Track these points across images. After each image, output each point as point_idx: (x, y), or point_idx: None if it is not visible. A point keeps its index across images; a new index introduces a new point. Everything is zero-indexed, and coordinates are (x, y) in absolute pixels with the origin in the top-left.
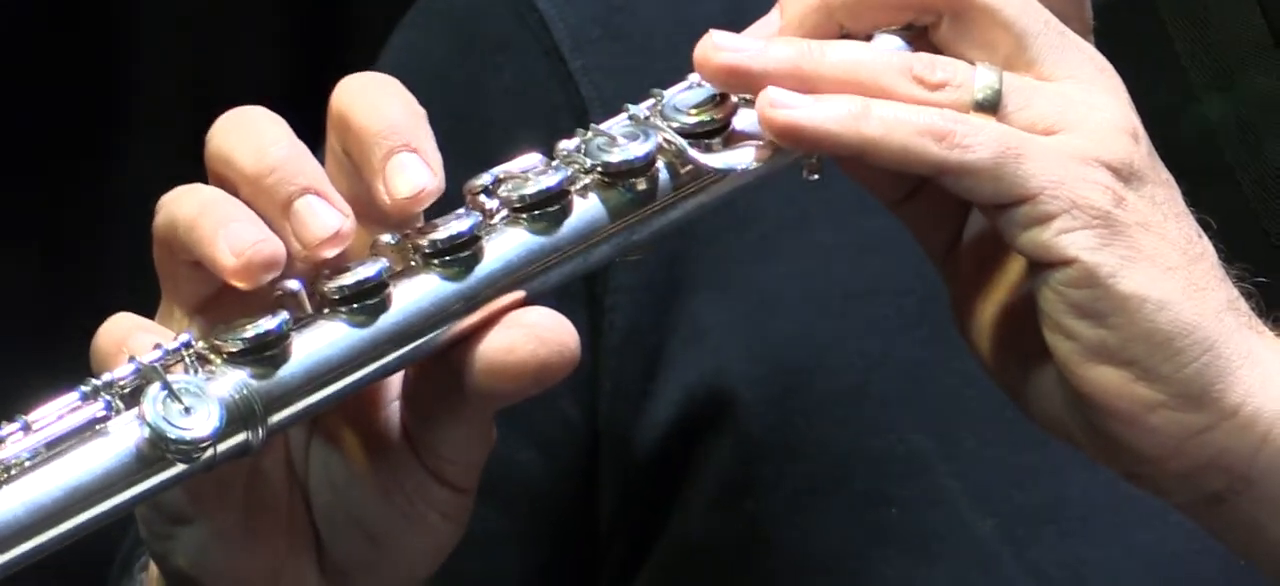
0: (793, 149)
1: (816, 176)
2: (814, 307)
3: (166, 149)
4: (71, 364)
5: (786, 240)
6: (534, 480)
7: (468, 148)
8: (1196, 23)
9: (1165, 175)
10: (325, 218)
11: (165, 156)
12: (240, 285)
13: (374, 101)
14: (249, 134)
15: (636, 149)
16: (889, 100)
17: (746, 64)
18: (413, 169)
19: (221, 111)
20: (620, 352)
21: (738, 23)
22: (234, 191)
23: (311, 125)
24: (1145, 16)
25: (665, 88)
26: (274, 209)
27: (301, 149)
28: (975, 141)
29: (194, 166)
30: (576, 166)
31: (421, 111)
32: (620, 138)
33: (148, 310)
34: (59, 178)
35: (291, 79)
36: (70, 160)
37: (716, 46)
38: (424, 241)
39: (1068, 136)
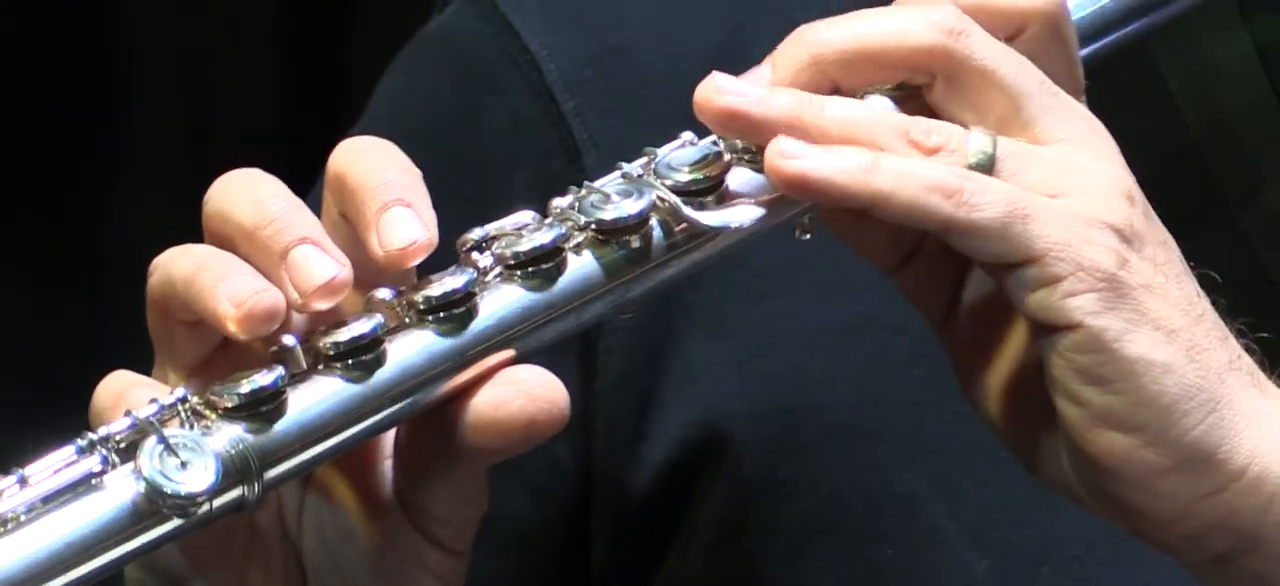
0: (799, 200)
1: (809, 236)
2: (807, 347)
3: (161, 196)
4: (64, 408)
5: (779, 279)
6: (525, 522)
7: (461, 189)
8: (1193, 71)
9: (1163, 235)
10: (322, 266)
11: (159, 202)
12: (240, 336)
13: (369, 160)
14: (246, 189)
15: (630, 206)
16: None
17: (747, 109)
18: (405, 222)
19: (216, 157)
20: (614, 394)
21: (730, 65)
22: (232, 248)
23: (305, 170)
24: (1143, 66)
25: (657, 138)
26: (272, 259)
27: (298, 203)
28: (984, 200)
29: (188, 212)
30: (570, 223)
31: (417, 171)
32: (614, 195)
33: (141, 355)
34: (53, 223)
35: (287, 124)
36: (65, 205)
37: (719, 89)
38: (419, 297)
39: (1068, 200)
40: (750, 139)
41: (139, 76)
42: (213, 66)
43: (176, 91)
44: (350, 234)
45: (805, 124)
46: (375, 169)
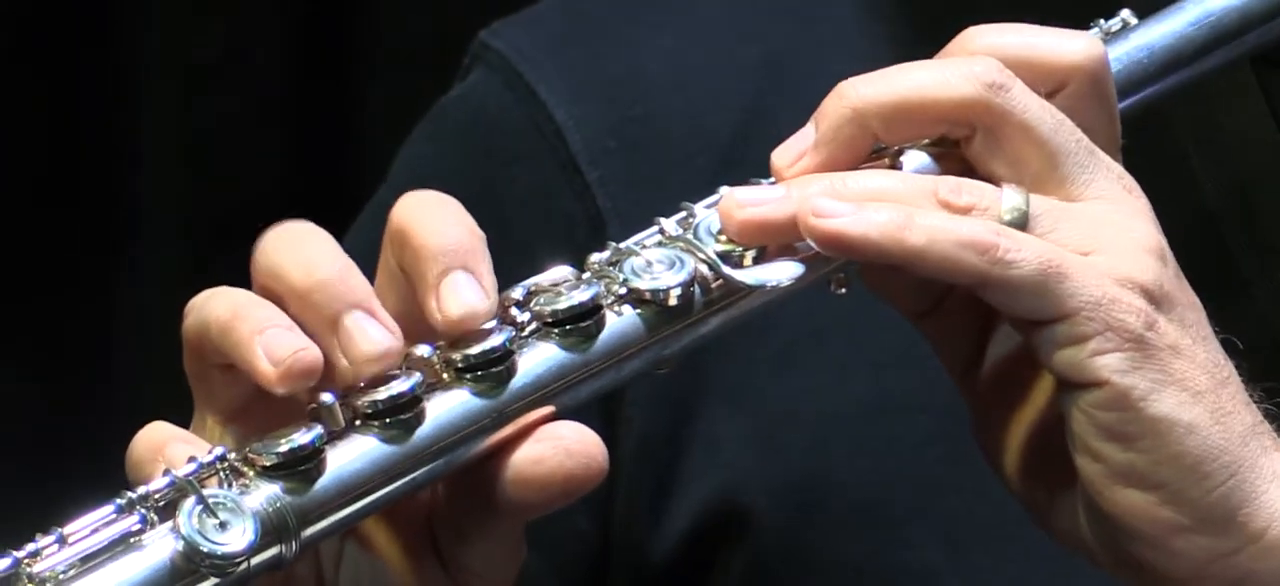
0: (835, 258)
1: (844, 291)
2: (829, 423)
3: (169, 268)
4: (74, 477)
5: (802, 354)
6: None
7: None
8: (1210, 136)
9: (1192, 297)
10: (374, 335)
11: (168, 273)
12: (277, 392)
13: (434, 219)
14: (299, 248)
15: (671, 278)
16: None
17: (770, 215)
18: (467, 290)
19: (224, 226)
20: (635, 464)
21: (753, 133)
22: (281, 305)
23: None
24: (1161, 132)
25: (691, 197)
26: (322, 324)
27: (350, 265)
28: (1019, 256)
29: (197, 282)
30: (608, 282)
31: (481, 234)
32: (655, 262)
33: (149, 411)
34: (61, 293)
35: (296, 195)
36: (73, 276)
37: (739, 204)
38: (457, 356)
39: (1099, 257)
40: (784, 240)
41: (145, 148)
42: (220, 140)
43: (183, 162)
44: (406, 287)
45: None
46: (440, 230)
